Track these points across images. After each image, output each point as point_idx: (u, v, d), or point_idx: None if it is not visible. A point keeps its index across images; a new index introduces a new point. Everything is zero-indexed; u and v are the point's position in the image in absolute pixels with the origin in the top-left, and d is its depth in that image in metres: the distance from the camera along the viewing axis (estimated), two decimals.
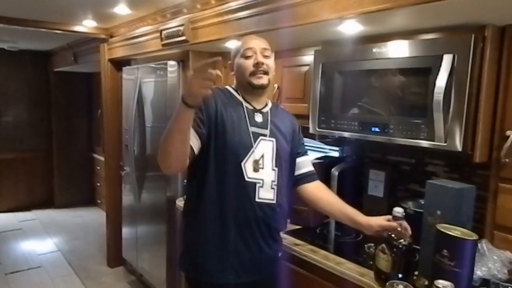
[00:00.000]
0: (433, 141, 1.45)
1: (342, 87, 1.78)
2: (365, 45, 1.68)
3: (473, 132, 1.40)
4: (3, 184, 5.19)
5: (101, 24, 3.15)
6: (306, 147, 1.92)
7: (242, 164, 1.43)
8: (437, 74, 1.39)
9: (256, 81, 1.47)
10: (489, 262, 1.36)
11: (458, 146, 1.40)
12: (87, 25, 3.14)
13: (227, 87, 1.58)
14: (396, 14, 1.37)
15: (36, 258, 3.83)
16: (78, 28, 3.21)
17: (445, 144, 1.42)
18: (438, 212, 1.38)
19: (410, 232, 1.37)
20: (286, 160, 1.55)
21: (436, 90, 1.39)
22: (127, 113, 3.08)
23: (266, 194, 1.46)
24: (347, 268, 1.54)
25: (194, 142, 1.37)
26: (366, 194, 1.98)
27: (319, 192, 1.65)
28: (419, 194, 1.81)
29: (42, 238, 4.36)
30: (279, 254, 1.59)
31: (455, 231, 1.26)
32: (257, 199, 1.44)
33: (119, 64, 3.41)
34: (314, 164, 2.00)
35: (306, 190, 1.65)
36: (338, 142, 2.29)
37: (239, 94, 1.53)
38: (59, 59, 4.92)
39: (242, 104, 1.51)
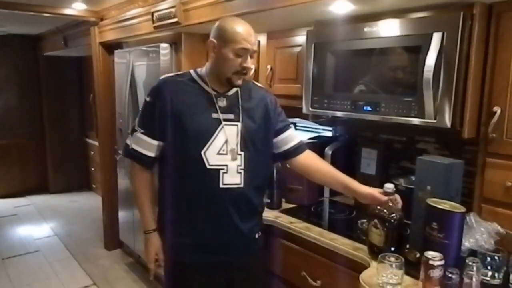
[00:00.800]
0: (423, 118, 1.48)
1: (334, 67, 1.80)
2: (356, 25, 1.69)
3: (461, 109, 1.43)
4: None
5: (91, 6, 3.12)
6: (299, 127, 1.94)
7: (202, 152, 1.42)
8: (427, 52, 1.42)
9: (236, 81, 1.45)
10: (477, 234, 1.41)
11: (448, 122, 1.43)
12: (76, 7, 3.10)
13: (191, 71, 1.53)
14: None
15: (33, 243, 3.87)
16: (67, 11, 3.17)
17: (434, 121, 1.45)
18: (428, 187, 1.43)
19: (401, 203, 1.42)
20: (256, 142, 1.50)
21: (426, 68, 1.42)
22: (120, 97, 3.08)
23: (231, 179, 1.44)
24: (341, 243, 1.59)
25: (153, 148, 1.49)
26: (359, 172, 2.02)
27: (310, 162, 1.65)
28: (410, 171, 1.86)
29: (38, 223, 4.39)
30: (257, 236, 1.58)
31: (444, 205, 1.31)
32: (221, 185, 1.44)
33: (110, 47, 3.38)
34: (307, 144, 2.05)
35: (297, 163, 1.65)
36: (331, 122, 2.32)
37: (202, 80, 1.49)
38: (48, 43, 4.85)
39: (205, 90, 1.48)
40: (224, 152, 1.45)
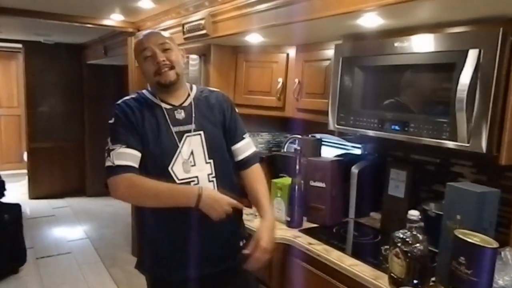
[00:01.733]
0: (456, 141, 1.36)
1: (362, 83, 1.72)
2: (386, 39, 1.60)
3: (499, 133, 1.31)
4: (39, 172, 5.44)
5: (128, 18, 3.20)
6: (326, 143, 1.84)
7: (169, 168, 1.39)
8: (461, 70, 1.31)
9: (163, 79, 1.41)
10: None
11: (483, 147, 1.31)
12: (114, 18, 3.20)
13: (144, 91, 1.51)
14: (417, 6, 1.29)
15: (66, 244, 3.99)
16: (106, 22, 3.27)
17: (468, 144, 1.33)
18: (458, 217, 1.31)
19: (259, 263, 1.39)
20: (221, 147, 1.50)
21: (459, 87, 1.31)
22: None
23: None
24: (361, 270, 1.49)
25: (137, 160, 1.38)
26: (386, 194, 1.91)
27: (247, 180, 1.56)
28: (443, 196, 1.72)
29: (72, 225, 4.54)
30: (242, 243, 1.53)
31: (474, 238, 1.19)
32: None
33: None
34: (332, 162, 1.97)
35: (244, 176, 1.57)
36: (360, 139, 2.22)
37: (155, 96, 1.47)
38: (91, 52, 5.06)
39: (160, 106, 1.45)
40: (192, 164, 1.42)
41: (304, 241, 1.75)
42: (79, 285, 3.19)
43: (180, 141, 1.42)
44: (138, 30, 3.36)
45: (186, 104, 1.49)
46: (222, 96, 1.60)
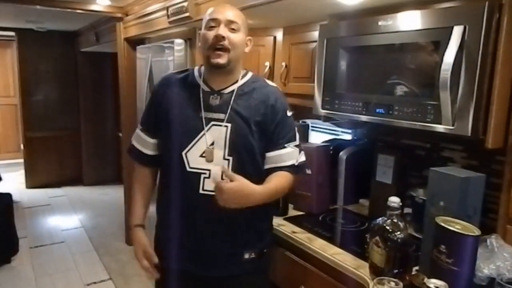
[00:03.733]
0: (440, 124, 1.29)
1: (346, 64, 1.64)
2: (370, 18, 1.52)
3: (485, 115, 1.23)
4: (36, 161, 5.41)
5: (115, 2, 3.12)
6: (318, 130, 1.76)
7: (183, 153, 1.32)
8: (446, 48, 1.23)
9: (213, 59, 1.32)
10: (499, 260, 1.21)
11: (468, 130, 1.24)
12: (101, 3, 3.12)
13: (195, 68, 1.47)
14: None
15: (60, 234, 3.97)
16: (94, 7, 3.19)
17: (452, 127, 1.26)
18: (441, 203, 1.25)
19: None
20: (247, 147, 1.34)
21: (443, 66, 1.23)
22: (140, 92, 3.06)
23: (213, 185, 1.25)
24: (343, 259, 1.44)
25: (149, 146, 1.45)
26: (373, 180, 1.85)
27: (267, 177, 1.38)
28: None
29: (68, 214, 4.52)
30: (247, 256, 1.40)
31: (456, 225, 1.13)
32: (201, 191, 1.32)
33: (135, 43, 3.38)
34: (318, 148, 1.91)
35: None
36: (349, 124, 2.15)
37: (200, 75, 1.42)
38: (84, 39, 4.98)
39: (199, 87, 1.38)
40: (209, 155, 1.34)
41: (287, 229, 1.70)
42: (71, 274, 3.17)
43: (203, 128, 1.33)
44: (127, 15, 3.29)
45: (226, 91, 1.38)
46: (273, 94, 1.41)
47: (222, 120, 1.34)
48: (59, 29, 5.09)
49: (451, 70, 1.22)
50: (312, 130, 2.43)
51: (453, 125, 1.26)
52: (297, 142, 1.43)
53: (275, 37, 2.23)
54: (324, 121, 1.94)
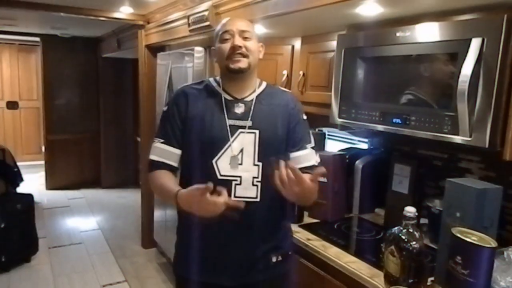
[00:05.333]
0: (457, 135, 1.30)
1: (364, 74, 1.66)
2: (388, 29, 1.54)
3: (503, 126, 1.23)
4: (56, 163, 5.54)
5: (137, 10, 3.21)
6: (334, 138, 1.75)
7: (214, 161, 1.33)
8: (464, 60, 1.24)
9: (233, 64, 1.35)
10: None
11: (485, 141, 1.24)
12: (124, 11, 3.21)
13: (210, 78, 1.49)
14: None
15: (78, 235, 4.05)
16: (117, 14, 3.29)
17: (470, 138, 1.27)
18: (458, 214, 1.25)
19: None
20: (276, 151, 1.37)
21: (461, 78, 1.24)
22: (160, 98, 3.13)
23: (244, 192, 1.33)
24: (357, 267, 1.45)
25: (173, 157, 1.41)
26: (390, 189, 1.85)
27: None
28: None
29: (86, 216, 4.61)
30: (274, 259, 1.42)
31: (473, 237, 1.13)
32: (233, 198, 1.31)
33: (155, 50, 3.45)
34: (334, 156, 1.92)
35: None
36: (365, 133, 2.16)
37: (219, 85, 1.44)
38: (106, 45, 5.11)
39: (220, 95, 1.41)
40: (239, 162, 1.35)
41: (302, 236, 1.72)
42: (88, 276, 3.23)
43: (232, 135, 1.35)
44: (148, 23, 3.37)
45: (248, 99, 1.41)
46: (292, 99, 1.49)
47: (249, 127, 1.37)
48: (82, 35, 5.23)
49: (468, 82, 1.23)
50: (329, 138, 2.44)
51: (470, 137, 1.27)
52: (313, 144, 1.48)
53: (293, 46, 2.26)
54: (341, 129, 1.96)
